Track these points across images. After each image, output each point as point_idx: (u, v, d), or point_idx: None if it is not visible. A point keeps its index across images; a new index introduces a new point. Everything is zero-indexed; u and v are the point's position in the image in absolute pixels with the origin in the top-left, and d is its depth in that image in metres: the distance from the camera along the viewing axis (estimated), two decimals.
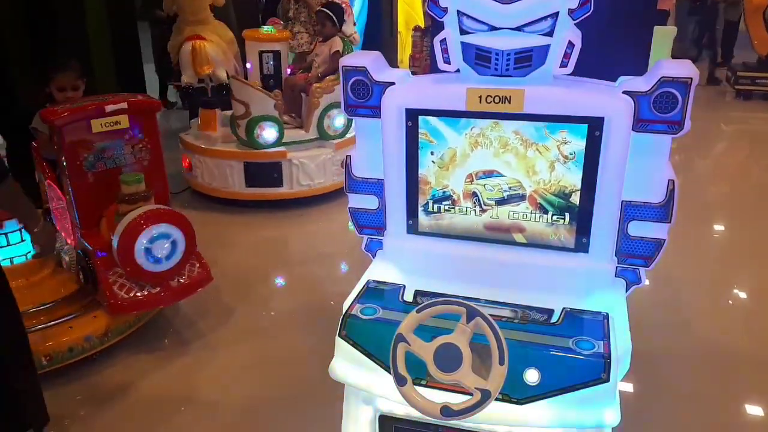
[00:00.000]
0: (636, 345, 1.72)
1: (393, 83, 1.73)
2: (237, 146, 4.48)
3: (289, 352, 2.91)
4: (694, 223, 4.14)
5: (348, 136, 4.59)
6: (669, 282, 3.39)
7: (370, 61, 1.77)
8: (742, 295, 3.34)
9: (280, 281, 3.66)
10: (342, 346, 1.46)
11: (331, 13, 4.54)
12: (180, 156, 4.75)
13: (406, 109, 1.70)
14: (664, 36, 5.50)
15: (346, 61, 1.78)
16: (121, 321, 2.83)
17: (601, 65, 1.75)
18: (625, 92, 1.56)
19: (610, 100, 1.57)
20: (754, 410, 2.48)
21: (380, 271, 1.75)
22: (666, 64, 1.57)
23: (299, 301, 3.37)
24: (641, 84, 1.56)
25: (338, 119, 4.49)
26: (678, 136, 1.58)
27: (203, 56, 4.73)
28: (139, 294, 2.73)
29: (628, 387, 2.59)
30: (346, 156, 1.83)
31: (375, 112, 1.75)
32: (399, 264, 1.77)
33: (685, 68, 1.53)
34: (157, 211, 2.72)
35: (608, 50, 1.97)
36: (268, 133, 4.35)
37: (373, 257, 1.86)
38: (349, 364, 1.45)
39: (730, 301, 3.29)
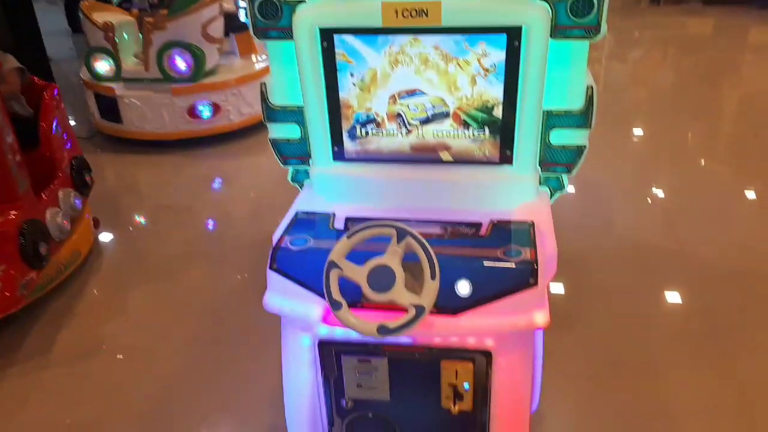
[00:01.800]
0: (562, 248, 1.79)
1: (304, 1, 1.63)
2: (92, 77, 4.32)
3: (218, 294, 2.88)
4: (613, 128, 4.28)
5: (208, 80, 4.25)
6: (591, 186, 3.54)
7: None
8: (660, 193, 3.53)
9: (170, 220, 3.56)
10: (274, 279, 1.44)
11: None
12: None
13: (320, 29, 1.61)
14: None
15: None
16: None
17: None
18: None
19: (528, 8, 1.53)
20: (672, 297, 2.67)
21: (309, 200, 1.72)
22: None
23: (226, 239, 3.31)
24: None
25: (179, 61, 4.15)
26: (595, 41, 1.58)
27: None
28: None
29: (558, 288, 2.73)
30: (261, 84, 1.74)
31: (286, 33, 1.66)
32: (327, 192, 1.74)
33: None
34: None
35: None
36: (100, 65, 4.22)
37: (300, 188, 1.82)
38: (282, 296, 1.44)
39: (649, 200, 3.47)
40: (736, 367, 2.28)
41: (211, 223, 3.51)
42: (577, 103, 1.60)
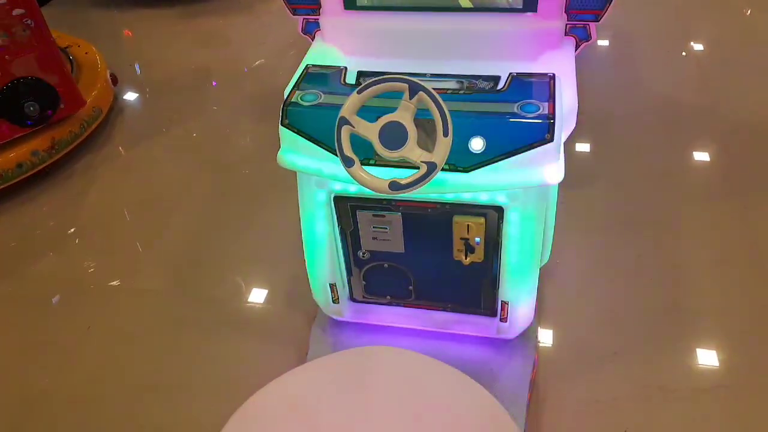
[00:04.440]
0: (588, 104, 1.73)
1: None
2: None
3: (238, 149, 2.90)
4: None
5: None
6: (623, 37, 3.34)
7: None
8: (697, 45, 3.31)
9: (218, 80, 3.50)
10: (286, 135, 1.43)
11: None
12: None
13: None
14: None
15: None
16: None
17: None
18: None
19: None
20: (697, 155, 2.62)
21: (320, 53, 1.65)
22: None
23: (244, 95, 3.27)
24: None
25: None
26: None
27: None
28: None
29: (580, 144, 2.69)
30: None
31: None
32: (339, 44, 1.66)
33: None
34: None
35: None
36: None
37: (312, 40, 1.74)
38: (296, 151, 1.43)
39: (684, 53, 3.27)
40: (753, 223, 2.28)
41: (225, 78, 3.45)
42: None
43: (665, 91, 3.00)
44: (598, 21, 1.60)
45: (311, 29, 1.74)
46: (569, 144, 1.45)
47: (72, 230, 2.57)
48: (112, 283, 2.32)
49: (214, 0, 4.10)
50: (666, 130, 2.76)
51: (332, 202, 1.58)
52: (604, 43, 3.31)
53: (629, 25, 3.38)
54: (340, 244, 1.70)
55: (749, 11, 3.64)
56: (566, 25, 1.60)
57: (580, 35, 1.65)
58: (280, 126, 1.43)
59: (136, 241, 2.49)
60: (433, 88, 1.26)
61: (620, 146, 2.69)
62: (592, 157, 2.66)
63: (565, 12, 1.57)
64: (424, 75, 1.50)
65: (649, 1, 3.66)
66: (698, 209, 2.36)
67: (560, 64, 1.54)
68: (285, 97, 1.44)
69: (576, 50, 1.67)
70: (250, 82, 3.38)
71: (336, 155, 1.32)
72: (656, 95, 2.97)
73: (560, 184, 1.44)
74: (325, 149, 1.39)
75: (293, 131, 1.41)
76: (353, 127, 1.28)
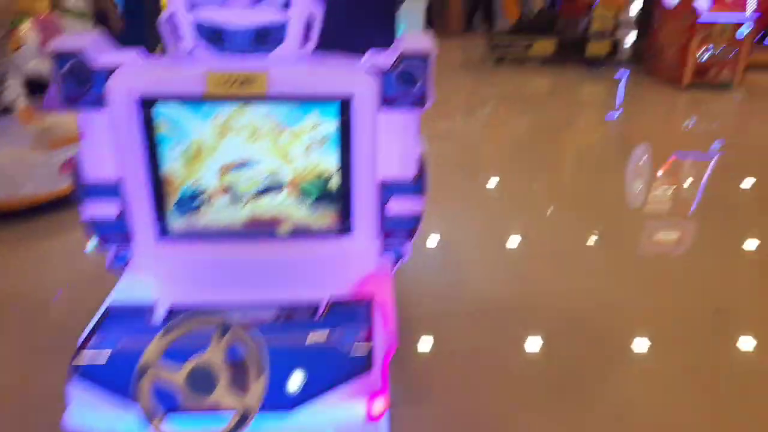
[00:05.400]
0: (413, 312, 1.73)
1: (120, 67, 1.50)
2: None
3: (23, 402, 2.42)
4: (463, 184, 4.46)
5: None
6: (443, 245, 3.61)
7: (90, 42, 1.51)
8: (510, 244, 3.67)
9: None
10: (76, 391, 1.23)
11: None
12: None
13: (139, 98, 1.48)
14: (414, 5, 5.73)
15: (58, 43, 1.50)
16: None
17: (349, 40, 1.70)
18: (368, 70, 1.53)
19: (355, 78, 1.52)
20: (529, 347, 2.72)
21: (129, 286, 1.53)
22: (406, 38, 1.56)
23: (43, 330, 2.87)
24: (384, 61, 1.54)
25: None
26: (424, 110, 1.59)
27: None
28: None
29: (409, 357, 2.66)
30: (71, 158, 1.55)
31: (100, 102, 1.51)
32: (152, 275, 1.57)
33: (424, 42, 1.54)
34: None
35: (356, 23, 1.93)
36: None
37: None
38: (88, 409, 1.23)
39: (500, 252, 3.60)
40: (578, 420, 2.33)
41: (21, 310, 3.03)
42: (410, 172, 1.59)
43: (488, 289, 3.19)
44: (410, 240, 1.70)
45: (120, 262, 1.64)
46: (403, 352, 1.41)
47: None
48: None
49: (22, 224, 3.81)
50: (493, 328, 2.85)
51: None
52: (429, 249, 3.55)
53: (448, 230, 3.69)
54: None
55: (548, 212, 4.19)
56: (382, 245, 1.67)
57: (396, 253, 1.73)
58: (69, 381, 1.23)
59: None
60: (249, 320, 1.19)
61: (449, 352, 2.66)
62: (425, 367, 2.62)
63: (380, 233, 1.65)
64: (240, 305, 1.43)
65: (462, 208, 4.08)
66: (535, 412, 2.36)
67: (378, 285, 1.56)
68: (78, 346, 1.27)
69: (393, 267, 1.73)
70: (48, 316, 2.97)
71: (136, 409, 1.15)
72: (480, 294, 3.15)
73: (394, 405, 1.37)
74: (124, 404, 1.21)
75: (86, 385, 1.23)
76: (156, 374, 1.14)
